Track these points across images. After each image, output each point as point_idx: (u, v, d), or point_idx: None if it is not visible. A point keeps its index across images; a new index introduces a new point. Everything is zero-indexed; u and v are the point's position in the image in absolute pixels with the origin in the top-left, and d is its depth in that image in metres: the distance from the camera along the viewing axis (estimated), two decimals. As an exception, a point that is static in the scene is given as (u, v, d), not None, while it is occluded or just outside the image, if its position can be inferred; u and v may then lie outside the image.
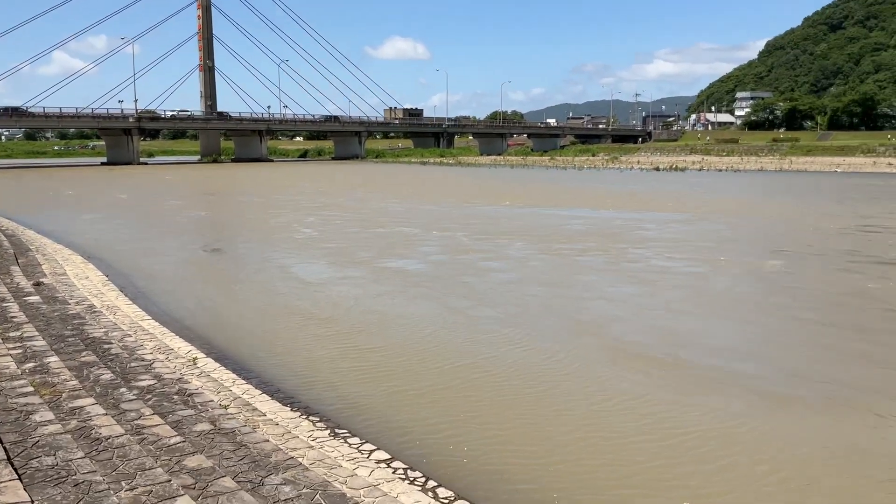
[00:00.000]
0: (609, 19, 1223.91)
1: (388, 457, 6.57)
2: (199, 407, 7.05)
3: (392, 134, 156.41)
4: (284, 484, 5.31)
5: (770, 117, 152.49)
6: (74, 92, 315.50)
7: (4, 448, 5.38)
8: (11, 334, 9.19)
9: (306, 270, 17.38)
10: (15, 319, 10.05)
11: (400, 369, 9.37)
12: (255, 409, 7.41)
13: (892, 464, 6.54)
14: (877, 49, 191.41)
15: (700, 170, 76.85)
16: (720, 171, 74.86)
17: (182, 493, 4.91)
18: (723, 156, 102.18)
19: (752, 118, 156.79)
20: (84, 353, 8.58)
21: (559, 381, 8.89)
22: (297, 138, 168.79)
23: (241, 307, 13.35)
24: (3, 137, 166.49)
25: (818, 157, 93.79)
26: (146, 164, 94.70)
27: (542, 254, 19.33)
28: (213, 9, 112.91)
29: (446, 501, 5.74)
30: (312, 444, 6.59)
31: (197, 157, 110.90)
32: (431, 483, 6.07)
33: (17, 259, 16.23)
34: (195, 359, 9.12)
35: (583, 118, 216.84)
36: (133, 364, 8.41)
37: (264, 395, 8.10)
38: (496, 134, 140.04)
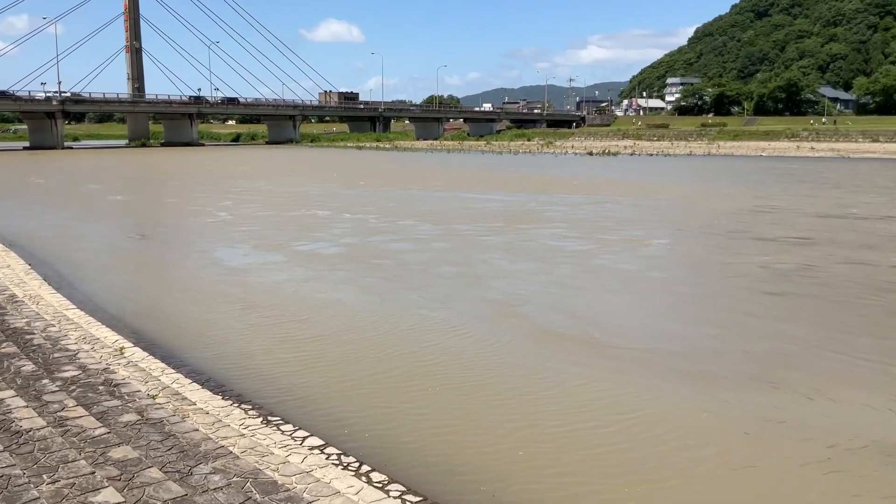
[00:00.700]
0: (544, 4, 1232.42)
1: (322, 443, 6.54)
2: (126, 397, 6.89)
3: (327, 118, 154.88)
4: (214, 473, 5.24)
5: (699, 103, 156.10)
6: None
7: (-84, 444, 5.17)
8: (-75, 326, 8.81)
9: (226, 255, 17.30)
10: (-71, 311, 9.63)
11: (332, 356, 9.32)
12: (184, 399, 7.28)
13: (835, 440, 6.81)
14: (801, 36, 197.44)
15: (632, 154, 78.22)
16: (651, 155, 76.34)
17: (106, 485, 4.80)
18: (654, 141, 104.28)
19: (682, 103, 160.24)
20: (4, 345, 8.29)
21: (491, 365, 8.96)
22: (230, 122, 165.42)
23: (167, 294, 13.10)
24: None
25: (745, 141, 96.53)
26: (71, 148, 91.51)
27: (450, 235, 19.99)
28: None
29: (380, 485, 5.74)
30: (244, 432, 6.51)
31: (125, 142, 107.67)
32: (365, 468, 6.07)
33: (-69, 248, 15.53)
34: (122, 348, 8.90)
35: (518, 103, 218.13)
36: (56, 355, 8.16)
37: (195, 384, 7.96)
38: (433, 118, 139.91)
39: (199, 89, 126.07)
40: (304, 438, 6.62)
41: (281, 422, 7.04)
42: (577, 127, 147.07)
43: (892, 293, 12.99)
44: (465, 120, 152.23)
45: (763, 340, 9.91)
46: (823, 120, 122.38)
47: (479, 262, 16.03)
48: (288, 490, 5.15)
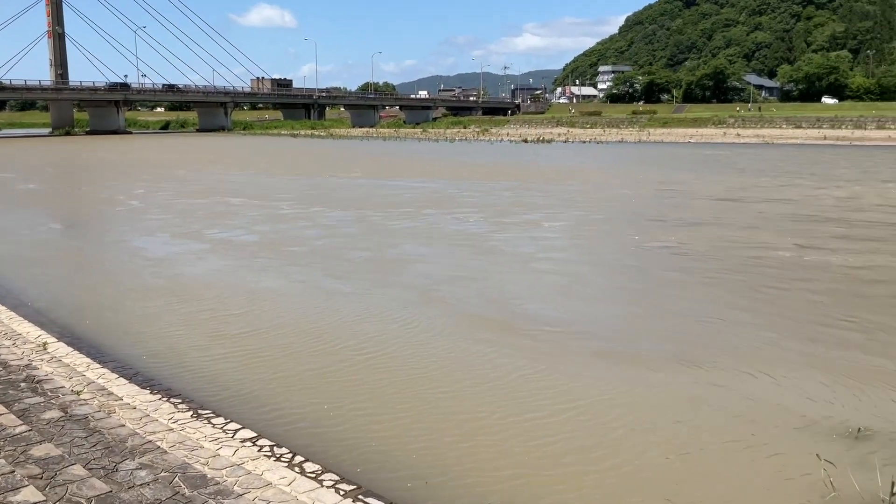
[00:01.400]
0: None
1: (254, 435, 6.48)
2: (49, 394, 6.70)
3: (260, 105, 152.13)
4: (140, 469, 5.14)
5: (630, 90, 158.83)
6: None
7: None
8: None
9: (145, 245, 17.15)
10: None
11: (263, 347, 9.21)
12: (111, 394, 7.11)
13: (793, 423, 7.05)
14: (727, 25, 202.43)
15: (565, 142, 79.10)
16: (584, 142, 77.33)
17: (27, 483, 4.67)
18: (587, 128, 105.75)
19: (614, 91, 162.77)
20: (-83, 343, 7.95)
21: (423, 353, 8.99)
22: (159, 109, 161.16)
23: (90, 287, 12.75)
24: None
25: (674, 128, 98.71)
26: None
27: (360, 221, 20.43)
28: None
29: (313, 475, 5.73)
30: (173, 426, 6.41)
31: (48, 130, 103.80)
32: (299, 458, 6.04)
33: None
34: (45, 344, 8.63)
35: (454, 90, 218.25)
36: (-26, 352, 7.87)
37: (121, 378, 7.78)
38: (368, 106, 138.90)
39: (126, 76, 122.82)
40: (236, 431, 6.55)
41: (212, 415, 6.94)
42: (512, 114, 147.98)
43: (752, 270, 13.66)
44: (401, 107, 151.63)
45: (659, 320, 10.21)
46: (749, 107, 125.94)
47: (389, 246, 16.39)
48: (218, 483, 5.09)
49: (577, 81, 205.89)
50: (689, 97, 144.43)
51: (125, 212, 23.25)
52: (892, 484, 5.28)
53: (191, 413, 6.92)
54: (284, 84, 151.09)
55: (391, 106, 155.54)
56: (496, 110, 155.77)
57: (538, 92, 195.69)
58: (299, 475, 5.62)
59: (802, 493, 5.47)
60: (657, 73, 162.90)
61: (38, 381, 7.02)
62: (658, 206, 23.50)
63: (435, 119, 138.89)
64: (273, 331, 9.88)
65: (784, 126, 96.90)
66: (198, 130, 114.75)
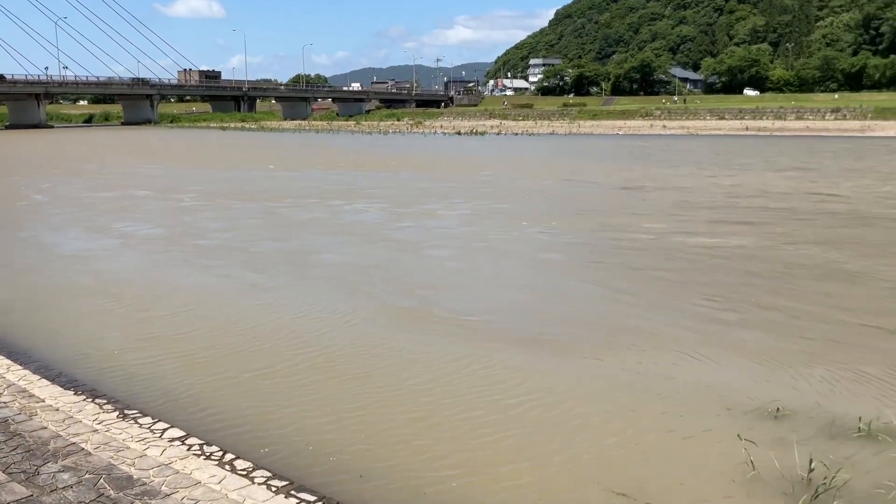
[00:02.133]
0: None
1: (183, 434, 6.36)
2: (-35, 398, 6.45)
3: (188, 98, 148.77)
4: (63, 471, 5.00)
5: (560, 83, 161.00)
6: None
7: None
8: None
9: (56, 241, 16.75)
10: None
11: (189, 343, 9.03)
12: (32, 396, 6.89)
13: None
14: (653, 19, 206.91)
15: (498, 134, 79.71)
16: (516, 134, 78.09)
17: (-59, 492, 4.50)
18: (519, 120, 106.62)
19: (545, 84, 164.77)
20: None
21: (355, 348, 8.95)
22: (82, 102, 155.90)
23: (6, 286, 12.27)
24: None
25: (603, 120, 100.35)
26: None
27: (267, 214, 20.52)
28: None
29: (244, 472, 5.66)
30: (98, 427, 6.24)
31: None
32: (229, 456, 5.95)
33: None
34: (-40, 346, 8.29)
35: (387, 83, 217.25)
36: None
37: (44, 380, 7.53)
38: (300, 98, 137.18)
39: (47, 68, 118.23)
40: (164, 430, 6.42)
41: (139, 415, 6.78)
42: (445, 107, 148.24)
43: (624, 253, 14.53)
44: (334, 100, 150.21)
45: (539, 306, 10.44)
46: (675, 99, 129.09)
47: (294, 237, 16.59)
48: (144, 484, 4.99)
49: (509, 74, 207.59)
50: (617, 90, 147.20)
51: (28, 207, 22.69)
52: (810, 461, 5.52)
53: (117, 413, 6.75)
54: (213, 76, 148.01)
55: (323, 98, 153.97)
56: (429, 103, 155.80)
57: (471, 84, 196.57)
58: (230, 473, 5.55)
59: (726, 472, 5.66)
60: (586, 66, 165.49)
61: (-48, 386, 6.75)
62: (559, 195, 24.46)
63: (368, 111, 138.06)
64: (199, 327, 9.69)
65: (708, 118, 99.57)
66: (123, 123, 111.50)
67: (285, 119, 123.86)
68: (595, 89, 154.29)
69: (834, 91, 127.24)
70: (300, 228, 17.97)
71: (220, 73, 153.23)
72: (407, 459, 6.02)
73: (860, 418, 6.31)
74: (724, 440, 6.11)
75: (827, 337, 8.89)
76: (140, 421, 6.62)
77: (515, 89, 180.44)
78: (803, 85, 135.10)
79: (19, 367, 7.89)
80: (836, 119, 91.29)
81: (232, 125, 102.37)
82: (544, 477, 5.71)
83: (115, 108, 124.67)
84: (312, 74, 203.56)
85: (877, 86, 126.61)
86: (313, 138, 72.58)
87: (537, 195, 24.42)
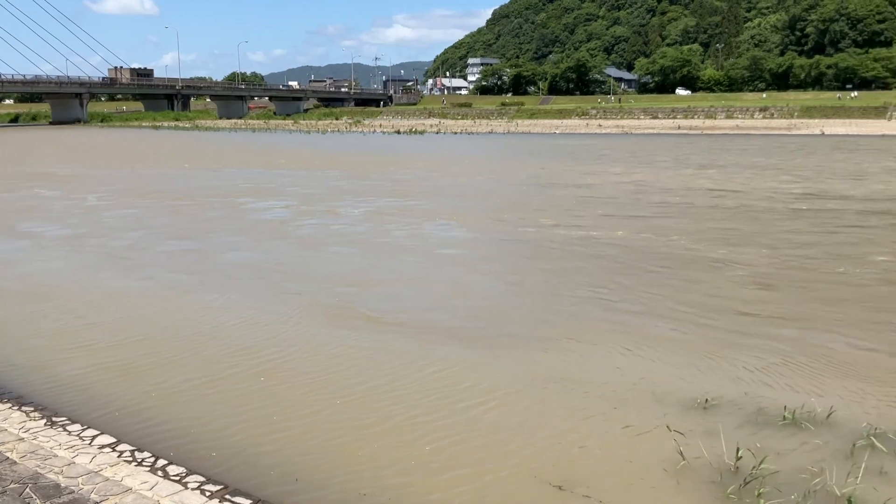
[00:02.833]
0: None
1: (114, 440, 6.20)
2: None
3: (119, 96, 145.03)
4: (-14, 483, 4.84)
5: (499, 83, 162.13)
6: None
7: None
8: None
9: None
10: None
11: (119, 346, 8.80)
12: (-48, 406, 6.63)
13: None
14: (588, 19, 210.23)
15: (437, 133, 79.82)
16: (455, 133, 78.28)
17: None
18: (458, 119, 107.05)
19: (483, 83, 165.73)
20: None
21: (289, 349, 8.86)
22: (8, 101, 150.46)
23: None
24: None
25: (540, 119, 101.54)
26: None
27: (174, 213, 20.54)
28: None
29: (177, 478, 5.55)
30: (24, 435, 6.05)
31: None
32: (162, 462, 5.83)
33: None
34: None
35: (325, 81, 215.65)
36: None
37: (-35, 389, 7.26)
38: (236, 97, 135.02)
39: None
40: (94, 438, 6.25)
41: (67, 422, 6.59)
42: (384, 106, 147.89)
43: (519, 250, 15.06)
44: (271, 98, 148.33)
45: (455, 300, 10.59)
46: (611, 98, 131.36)
47: (202, 235, 16.65)
48: (73, 492, 4.86)
49: (448, 73, 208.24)
50: (554, 89, 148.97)
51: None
52: (737, 450, 5.70)
53: (44, 421, 6.55)
54: (145, 74, 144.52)
55: (260, 97, 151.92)
56: (368, 101, 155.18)
57: (410, 83, 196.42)
58: (162, 479, 5.44)
59: (658, 463, 5.79)
60: (524, 65, 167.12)
61: None
62: (465, 191, 24.94)
63: (306, 110, 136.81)
64: (127, 329, 9.46)
65: (642, 117, 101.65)
66: (51, 123, 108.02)
67: (221, 118, 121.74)
68: (533, 89, 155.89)
69: (762, 90, 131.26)
70: (207, 227, 17.97)
71: (152, 71, 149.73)
72: (345, 462, 5.99)
73: (785, 407, 6.54)
74: (656, 432, 6.26)
75: (732, 328, 9.19)
76: (69, 428, 6.43)
77: (454, 88, 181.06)
78: (733, 84, 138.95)
79: (-61, 376, 7.58)
80: (764, 118, 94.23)
81: (165, 124, 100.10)
82: (482, 472, 5.75)
83: (44, 108, 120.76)
84: (249, 72, 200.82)
85: (802, 85, 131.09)
86: (248, 137, 71.56)
87: (450, 192, 24.83)
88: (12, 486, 4.83)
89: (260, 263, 13.58)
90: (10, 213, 20.44)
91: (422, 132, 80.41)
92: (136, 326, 9.66)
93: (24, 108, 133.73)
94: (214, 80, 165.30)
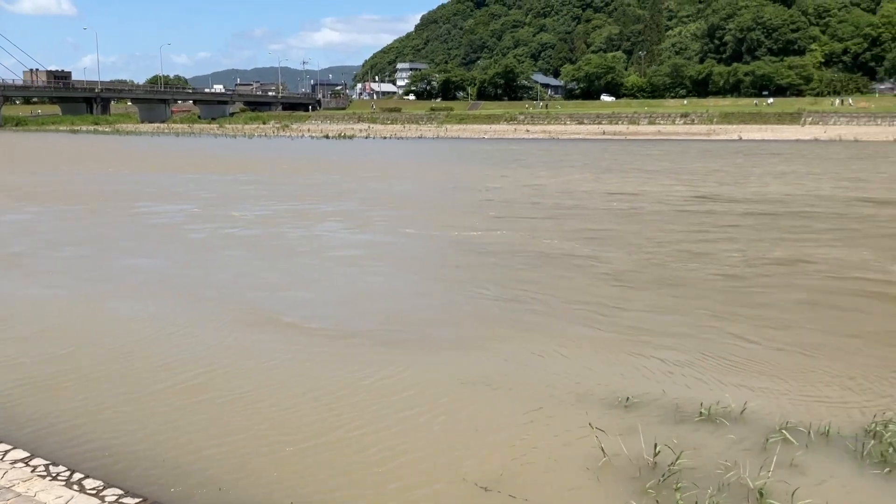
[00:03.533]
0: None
1: (27, 455, 5.97)
2: None
3: (35, 99, 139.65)
4: None
5: (428, 87, 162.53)
6: None
7: None
8: None
9: None
10: None
11: (29, 356, 8.49)
12: None
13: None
14: (515, 26, 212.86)
15: (367, 137, 79.65)
16: (385, 138, 78.23)
17: None
18: (387, 124, 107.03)
19: (412, 88, 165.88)
20: None
21: (210, 356, 8.71)
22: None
23: None
24: None
25: (470, 125, 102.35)
26: None
27: (74, 218, 20.30)
28: None
29: (94, 491, 5.39)
30: (-72, 454, 5.78)
31: None
32: (78, 476, 5.65)
33: None
34: None
35: (252, 85, 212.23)
36: None
37: None
38: (158, 100, 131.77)
39: None
40: (6, 452, 6.02)
41: (-24, 438, 6.33)
42: (313, 110, 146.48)
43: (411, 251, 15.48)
44: (196, 102, 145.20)
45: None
46: (538, 104, 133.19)
47: (98, 240, 16.54)
48: (-19, 511, 4.67)
49: (377, 78, 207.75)
50: (482, 95, 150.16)
51: None
52: (655, 446, 5.86)
53: (-49, 438, 6.27)
54: (63, 76, 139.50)
55: (184, 100, 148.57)
56: (297, 106, 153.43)
57: (338, 88, 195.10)
58: (78, 493, 5.28)
59: (581, 461, 5.91)
60: (453, 71, 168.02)
61: None
62: (374, 195, 25.32)
63: (232, 114, 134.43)
64: (38, 339, 9.13)
65: (569, 122, 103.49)
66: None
67: (143, 122, 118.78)
68: (462, 94, 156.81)
69: (683, 97, 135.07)
70: (107, 231, 17.79)
71: (70, 73, 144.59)
72: (269, 471, 5.92)
73: (701, 403, 6.76)
74: (579, 430, 6.38)
75: (635, 325, 9.50)
76: (-23, 445, 6.17)
77: (383, 93, 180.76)
78: (655, 91, 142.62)
79: None
80: (684, 124, 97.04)
81: (83, 128, 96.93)
82: (410, 476, 5.76)
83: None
84: (172, 75, 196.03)
85: (721, 92, 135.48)
86: (169, 142, 69.92)
87: (357, 195, 25.20)
88: (-85, 506, 4.62)
89: (164, 269, 13.40)
90: None
91: (351, 137, 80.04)
92: (51, 338, 9.32)
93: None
94: (136, 83, 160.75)
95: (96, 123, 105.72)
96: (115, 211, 21.28)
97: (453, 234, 16.97)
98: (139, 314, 10.30)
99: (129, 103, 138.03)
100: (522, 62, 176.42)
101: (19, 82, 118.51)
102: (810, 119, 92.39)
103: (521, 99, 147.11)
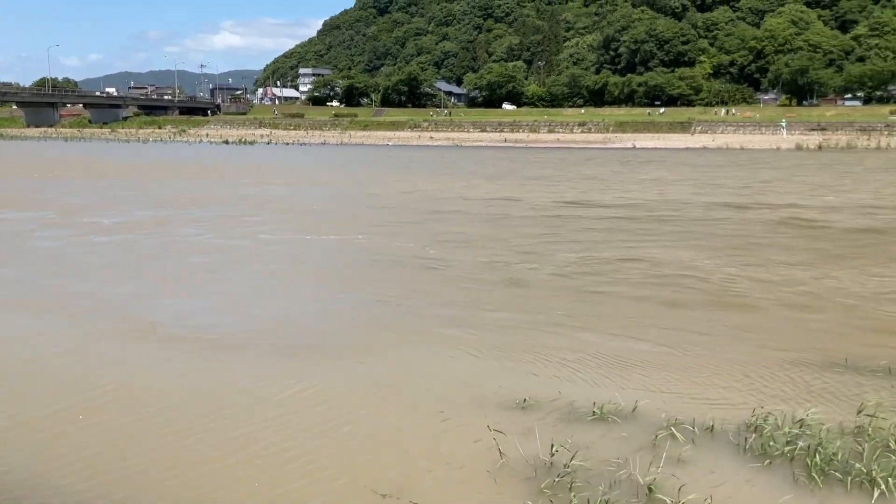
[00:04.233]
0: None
1: None
2: None
3: None
4: None
5: (331, 93, 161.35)
6: None
7: None
8: None
9: None
10: None
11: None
12: None
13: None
14: (418, 34, 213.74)
15: (269, 143, 78.29)
16: (287, 144, 77.17)
17: None
18: (290, 130, 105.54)
19: (315, 94, 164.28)
20: None
21: (97, 376, 8.38)
22: None
23: None
24: None
25: (374, 131, 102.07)
26: None
27: None
28: None
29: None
30: None
31: None
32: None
33: None
34: None
35: (147, 88, 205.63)
36: None
37: None
38: (46, 103, 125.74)
39: None
40: None
41: None
42: (212, 115, 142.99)
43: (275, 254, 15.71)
44: (86, 105, 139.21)
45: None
46: (443, 111, 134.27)
47: None
48: None
49: (279, 83, 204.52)
50: (386, 101, 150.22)
51: None
52: (552, 446, 5.99)
53: None
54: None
55: (74, 104, 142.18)
56: (195, 110, 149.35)
57: (239, 92, 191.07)
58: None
59: (479, 463, 5.96)
60: (356, 77, 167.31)
61: None
62: (256, 201, 25.42)
63: (126, 118, 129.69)
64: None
65: (472, 130, 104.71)
66: None
67: (29, 126, 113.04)
68: (366, 100, 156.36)
69: (581, 106, 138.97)
70: None
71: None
72: (172, 489, 5.74)
73: (594, 403, 6.95)
74: (478, 433, 6.45)
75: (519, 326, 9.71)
76: None
77: (286, 98, 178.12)
78: (554, 100, 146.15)
79: None
80: (582, 132, 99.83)
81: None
82: (313, 486, 5.69)
83: None
84: (61, 78, 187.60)
85: (616, 101, 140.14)
86: (54, 147, 66.79)
87: (238, 201, 25.28)
88: None
89: (35, 280, 12.80)
90: None
91: (252, 142, 78.57)
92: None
93: None
94: (21, 85, 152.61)
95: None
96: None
97: (307, 238, 17.44)
98: (18, 333, 9.80)
99: (14, 107, 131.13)
100: (426, 70, 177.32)
101: None
102: (700, 128, 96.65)
103: (425, 106, 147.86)
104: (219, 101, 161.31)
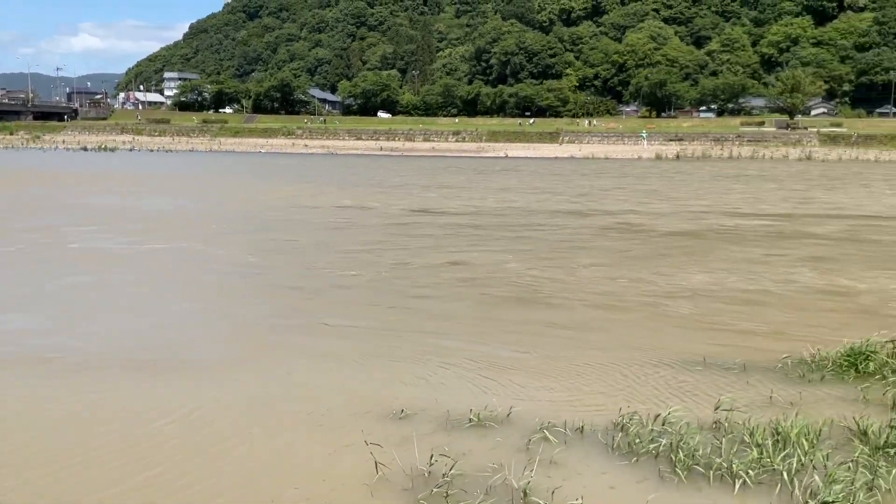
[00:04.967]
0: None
1: None
2: None
3: None
4: None
5: (199, 99, 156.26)
6: None
7: None
8: None
9: None
10: None
11: None
12: None
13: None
14: (290, 40, 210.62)
15: (131, 150, 74.95)
16: (152, 151, 74.12)
17: None
18: (155, 136, 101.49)
19: (182, 99, 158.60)
20: None
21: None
22: None
23: None
24: None
25: (245, 138, 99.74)
26: None
27: None
28: None
29: None
30: None
31: None
32: None
33: None
34: None
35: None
36: None
37: None
38: None
39: None
40: None
41: None
42: (70, 120, 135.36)
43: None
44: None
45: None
46: (319, 118, 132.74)
47: None
48: None
49: (143, 87, 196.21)
50: (258, 108, 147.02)
51: None
52: (431, 456, 5.96)
53: None
54: None
55: None
56: (50, 115, 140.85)
57: (99, 97, 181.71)
58: None
59: (357, 477, 5.85)
60: (225, 82, 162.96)
61: None
62: (89, 210, 25.30)
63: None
64: None
65: (347, 138, 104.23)
66: None
67: None
68: (237, 106, 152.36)
69: (455, 115, 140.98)
70: None
71: None
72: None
73: (471, 410, 7.00)
74: (355, 445, 6.36)
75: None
76: None
77: (150, 103, 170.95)
78: (429, 109, 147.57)
79: None
80: (457, 141, 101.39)
81: None
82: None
83: None
84: None
85: (489, 111, 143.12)
86: None
87: (80, 210, 25.00)
88: None
89: None
90: None
91: (113, 149, 74.94)
92: None
93: None
94: None
95: None
96: None
97: (130, 247, 17.31)
98: None
99: None
100: (299, 76, 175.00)
101: None
102: (567, 138, 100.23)
103: (298, 113, 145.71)
104: (76, 105, 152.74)
